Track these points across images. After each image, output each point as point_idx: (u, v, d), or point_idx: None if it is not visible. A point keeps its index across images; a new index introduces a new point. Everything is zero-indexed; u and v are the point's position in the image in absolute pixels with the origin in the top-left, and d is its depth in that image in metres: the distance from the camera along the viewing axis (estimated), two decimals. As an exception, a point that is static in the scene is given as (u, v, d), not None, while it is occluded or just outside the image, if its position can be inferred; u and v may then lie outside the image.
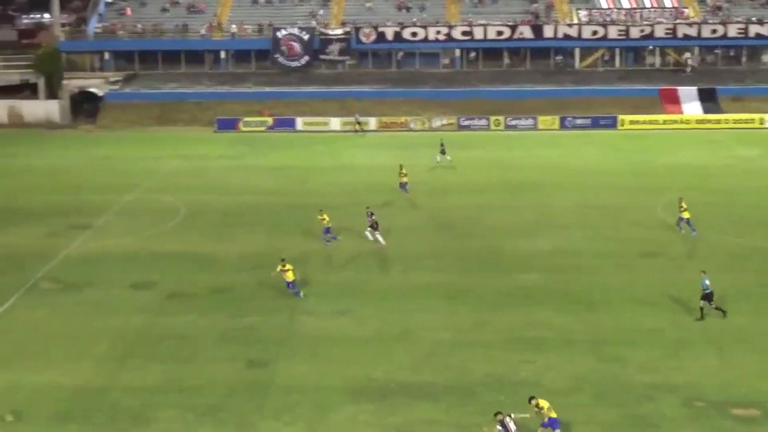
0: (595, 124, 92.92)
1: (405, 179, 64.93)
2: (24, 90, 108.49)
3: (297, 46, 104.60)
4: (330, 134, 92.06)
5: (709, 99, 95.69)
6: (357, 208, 56.72)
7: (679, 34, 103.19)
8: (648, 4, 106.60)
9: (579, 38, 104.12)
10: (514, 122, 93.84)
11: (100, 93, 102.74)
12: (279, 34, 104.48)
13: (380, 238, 52.86)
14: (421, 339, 39.62)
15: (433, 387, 34.57)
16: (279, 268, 44.60)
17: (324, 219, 53.47)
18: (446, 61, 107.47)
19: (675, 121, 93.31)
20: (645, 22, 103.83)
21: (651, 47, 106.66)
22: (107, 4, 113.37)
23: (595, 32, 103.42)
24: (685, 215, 53.54)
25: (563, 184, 67.90)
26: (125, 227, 58.15)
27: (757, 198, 63.30)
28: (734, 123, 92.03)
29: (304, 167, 75.95)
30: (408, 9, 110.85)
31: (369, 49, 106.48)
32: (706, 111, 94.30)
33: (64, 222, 58.94)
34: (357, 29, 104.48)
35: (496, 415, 29.91)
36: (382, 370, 36.51)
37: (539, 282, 46.60)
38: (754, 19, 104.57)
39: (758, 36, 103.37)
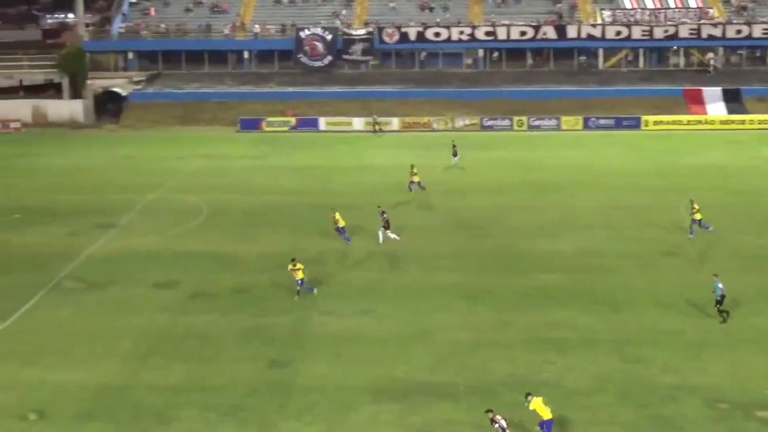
0: (619, 124, 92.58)
1: (416, 179, 64.86)
2: (48, 89, 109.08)
3: (320, 46, 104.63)
4: (353, 134, 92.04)
5: (733, 99, 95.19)
6: (389, 208, 56.78)
7: (704, 35, 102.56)
8: (672, 5, 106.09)
9: (602, 38, 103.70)
10: (537, 122, 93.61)
11: (123, 93, 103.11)
12: (302, 34, 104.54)
13: (393, 235, 52.93)
14: (441, 339, 39.62)
15: (454, 387, 34.55)
16: (290, 267, 44.71)
17: (337, 218, 53.63)
18: (469, 61, 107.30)
19: (699, 122, 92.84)
20: (669, 23, 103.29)
21: (675, 48, 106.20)
22: (131, 4, 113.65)
23: (618, 32, 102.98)
24: (697, 216, 53.23)
25: (586, 185, 67.74)
26: (148, 227, 58.34)
27: (782, 199, 63.04)
28: (759, 124, 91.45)
29: (327, 167, 75.99)
30: (431, 9, 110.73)
31: (392, 49, 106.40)
32: (730, 111, 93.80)
33: (87, 221, 59.17)
34: (380, 29, 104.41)
35: (487, 412, 30.16)
36: (402, 370, 36.52)
37: (561, 282, 46.50)
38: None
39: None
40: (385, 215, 53.45)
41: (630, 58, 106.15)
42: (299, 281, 44.51)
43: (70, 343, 39.91)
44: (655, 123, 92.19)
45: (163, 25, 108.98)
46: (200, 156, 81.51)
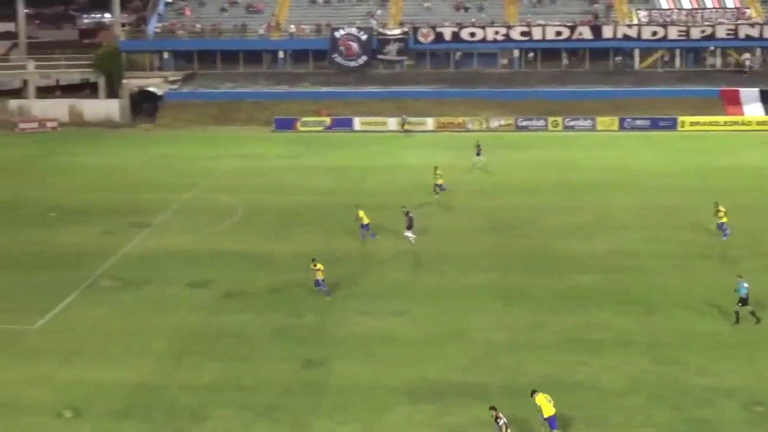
0: (655, 125, 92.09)
1: (440, 180, 64.69)
2: (84, 89, 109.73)
3: (355, 46, 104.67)
4: (387, 134, 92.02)
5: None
6: (415, 209, 56.69)
7: (741, 35, 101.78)
8: (709, 5, 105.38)
9: (638, 39, 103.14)
10: (572, 123, 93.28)
11: (159, 92, 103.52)
12: (337, 34, 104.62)
13: (413, 236, 53.01)
14: (475, 339, 39.54)
15: (488, 388, 34.44)
16: (311, 267, 44.74)
17: (361, 216, 53.69)
18: (504, 61, 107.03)
19: (736, 123, 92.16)
20: (706, 23, 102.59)
21: (712, 48, 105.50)
22: (167, 4, 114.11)
23: (654, 33, 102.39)
24: (723, 219, 52.89)
25: (622, 185, 67.46)
26: (183, 226, 58.58)
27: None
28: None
29: (362, 167, 76.02)
30: (466, 9, 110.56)
31: (427, 50, 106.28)
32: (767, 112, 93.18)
33: (122, 220, 59.46)
34: (415, 29, 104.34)
35: (490, 409, 30.24)
36: (436, 370, 36.46)
37: (596, 283, 46.33)
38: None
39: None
40: (410, 215, 53.45)
41: (666, 58, 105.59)
42: (318, 281, 44.52)
43: (106, 341, 40.11)
44: (692, 124, 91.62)
45: (198, 25, 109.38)
46: (235, 156, 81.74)
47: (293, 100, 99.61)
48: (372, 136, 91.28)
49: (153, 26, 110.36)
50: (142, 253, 52.89)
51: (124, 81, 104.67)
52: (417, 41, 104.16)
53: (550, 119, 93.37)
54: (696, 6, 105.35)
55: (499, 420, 29.81)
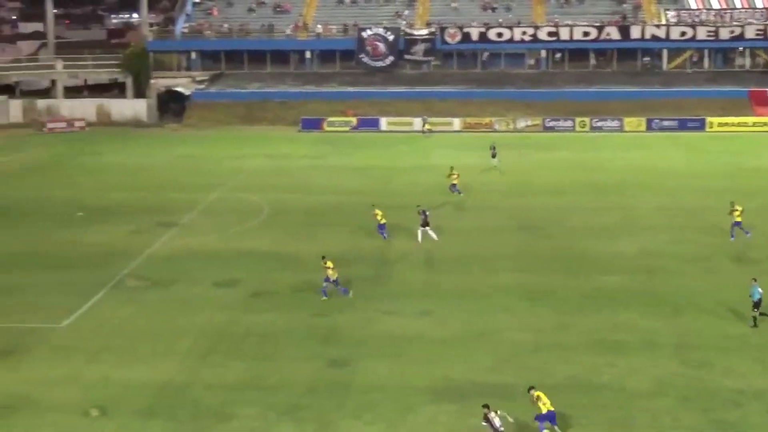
0: (683, 126, 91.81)
1: (456, 181, 64.47)
2: (112, 89, 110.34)
3: (382, 46, 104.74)
4: (414, 134, 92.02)
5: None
6: (438, 208, 56.65)
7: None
8: (738, 5, 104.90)
9: (667, 39, 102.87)
10: (599, 124, 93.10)
11: (186, 92, 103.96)
12: (364, 34, 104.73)
13: (433, 234, 53.02)
14: (501, 340, 39.39)
15: (513, 388, 34.25)
16: (322, 265, 44.68)
17: (377, 215, 53.78)
18: (532, 61, 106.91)
19: (765, 124, 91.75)
20: (735, 23, 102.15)
21: (741, 48, 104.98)
22: (194, 5, 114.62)
23: (683, 33, 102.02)
24: (738, 219, 52.58)
25: (649, 186, 67.21)
26: (209, 225, 58.68)
27: None
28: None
29: (388, 167, 76.07)
30: (493, 9, 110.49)
31: (454, 50, 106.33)
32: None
33: (149, 220, 59.62)
34: (442, 29, 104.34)
35: (483, 407, 30.17)
36: (461, 370, 36.33)
37: (623, 284, 46.09)
38: None
39: None
40: (426, 213, 53.38)
41: (695, 59, 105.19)
42: (332, 280, 44.43)
43: (132, 340, 40.17)
44: (720, 125, 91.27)
45: (225, 25, 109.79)
46: (261, 155, 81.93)
47: (320, 100, 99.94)
48: (398, 136, 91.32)
49: (181, 26, 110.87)
50: (169, 253, 53.00)
51: (152, 81, 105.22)
52: (444, 41, 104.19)
53: (578, 120, 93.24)
54: (725, 6, 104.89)
55: (487, 421, 29.82)
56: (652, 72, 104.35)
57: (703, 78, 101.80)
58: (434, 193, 63.87)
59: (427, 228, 53.11)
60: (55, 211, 62.99)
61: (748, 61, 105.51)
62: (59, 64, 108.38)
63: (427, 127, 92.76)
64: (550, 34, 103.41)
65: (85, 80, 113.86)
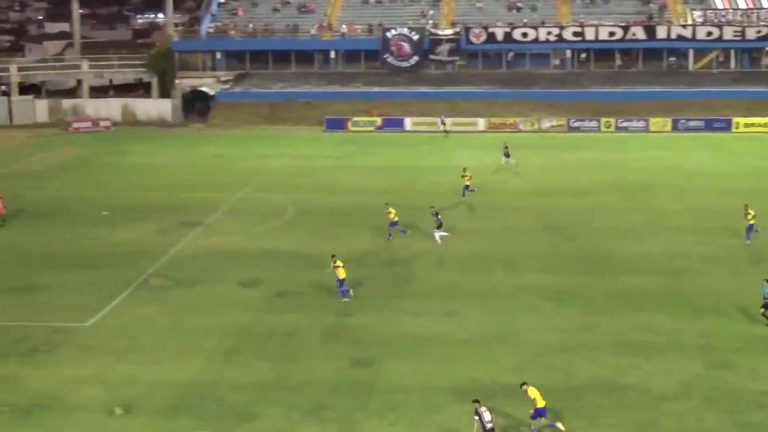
0: (709, 126, 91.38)
1: (468, 182, 64.27)
2: (138, 89, 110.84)
3: (406, 46, 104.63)
4: (438, 135, 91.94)
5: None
6: (463, 208, 56.51)
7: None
8: (765, 5, 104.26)
9: (693, 39, 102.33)
10: (625, 124, 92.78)
11: (211, 92, 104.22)
12: (389, 34, 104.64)
13: (439, 235, 52.92)
14: (526, 340, 39.29)
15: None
16: (331, 265, 44.63)
17: (390, 213, 53.77)
18: (557, 61, 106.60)
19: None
20: (762, 23, 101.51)
21: (767, 48, 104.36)
22: (220, 5, 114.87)
23: (709, 33, 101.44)
24: (751, 222, 52.33)
25: (675, 187, 66.97)
26: (234, 225, 58.76)
27: None
28: None
29: (412, 167, 76.04)
30: (518, 9, 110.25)
31: (479, 50, 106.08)
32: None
33: (174, 219, 59.78)
34: (467, 29, 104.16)
35: (473, 402, 30.37)
36: (486, 371, 36.25)
37: (648, 285, 45.90)
38: None
39: None
40: (438, 216, 53.32)
41: (721, 59, 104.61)
42: (339, 279, 44.44)
43: (157, 339, 40.26)
44: (746, 125, 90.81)
45: (250, 25, 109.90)
46: (286, 155, 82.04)
47: (344, 100, 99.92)
48: (423, 136, 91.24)
49: (206, 26, 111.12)
50: (193, 253, 53.11)
51: (177, 81, 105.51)
52: (469, 41, 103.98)
53: (603, 120, 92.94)
54: (752, 6, 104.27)
55: (477, 415, 29.98)
56: (678, 72, 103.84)
57: (730, 78, 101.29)
58: (457, 194, 63.73)
59: (440, 229, 53.02)
60: (80, 210, 63.26)
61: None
62: (85, 64, 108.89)
63: (445, 127, 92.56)
64: (575, 34, 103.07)
65: (111, 80, 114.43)
